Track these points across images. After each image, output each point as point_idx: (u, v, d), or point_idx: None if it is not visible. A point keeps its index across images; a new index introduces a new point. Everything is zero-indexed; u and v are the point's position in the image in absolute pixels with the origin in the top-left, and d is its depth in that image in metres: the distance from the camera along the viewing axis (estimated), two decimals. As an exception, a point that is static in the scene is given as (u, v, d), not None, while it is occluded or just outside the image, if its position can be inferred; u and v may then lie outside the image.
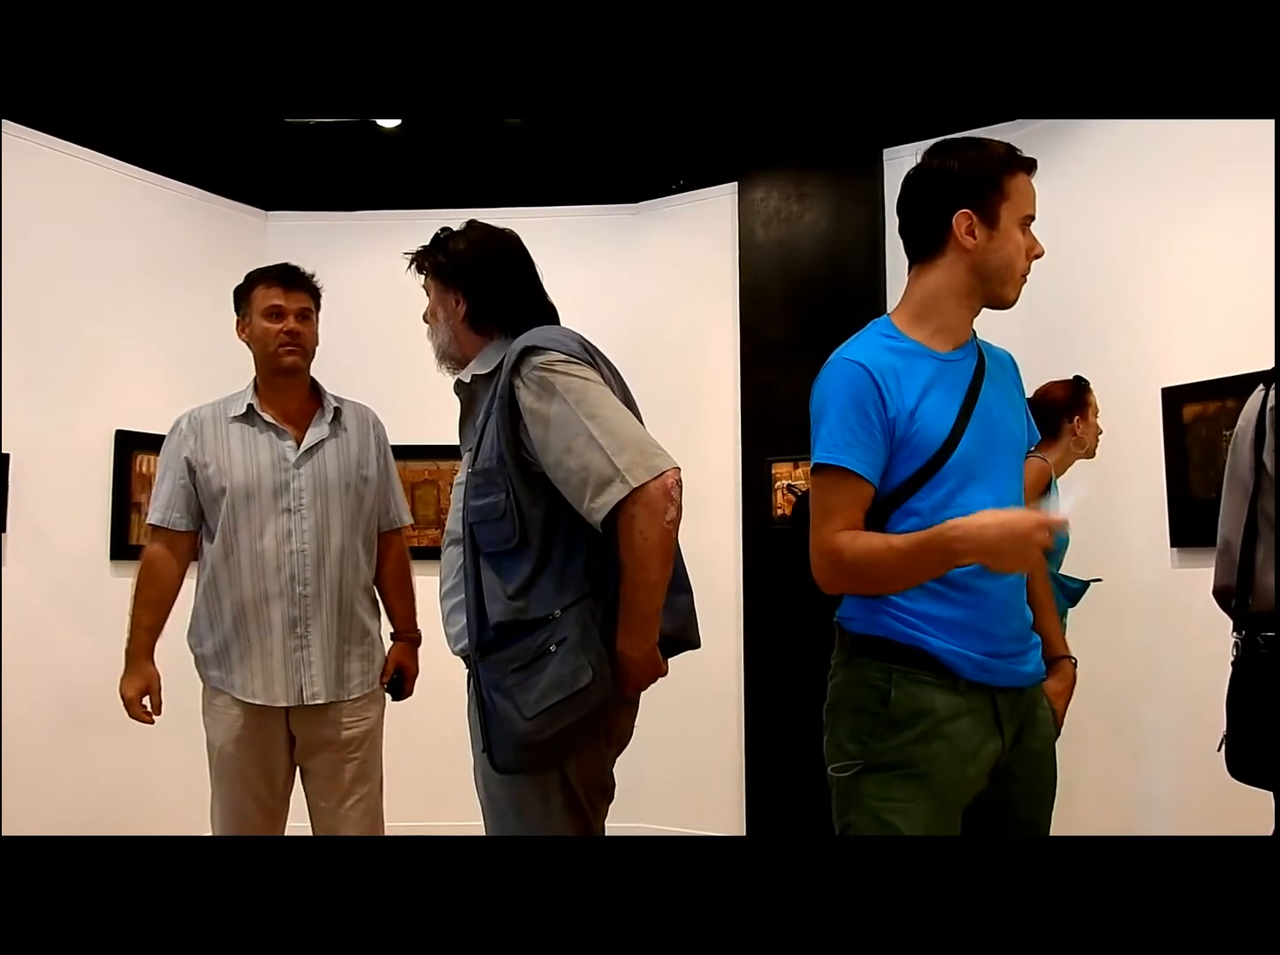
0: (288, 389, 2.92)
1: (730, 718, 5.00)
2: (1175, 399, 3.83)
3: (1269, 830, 2.49)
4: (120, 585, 4.60)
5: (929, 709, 1.81)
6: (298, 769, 2.92)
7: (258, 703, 2.81)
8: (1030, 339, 4.22)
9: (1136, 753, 4.00)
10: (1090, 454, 3.52)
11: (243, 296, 2.93)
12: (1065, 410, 3.51)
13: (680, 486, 1.99)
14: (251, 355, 2.94)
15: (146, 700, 2.97)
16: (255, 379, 2.94)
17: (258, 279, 2.92)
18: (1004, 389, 1.98)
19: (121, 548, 4.62)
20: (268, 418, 2.89)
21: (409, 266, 2.28)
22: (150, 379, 4.78)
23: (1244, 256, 3.50)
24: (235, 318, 2.95)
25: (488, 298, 2.19)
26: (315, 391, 3.00)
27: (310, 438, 2.90)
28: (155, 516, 2.92)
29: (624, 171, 5.47)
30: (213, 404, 2.95)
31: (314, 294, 2.94)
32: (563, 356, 2.01)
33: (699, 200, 5.33)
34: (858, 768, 1.83)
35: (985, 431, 1.88)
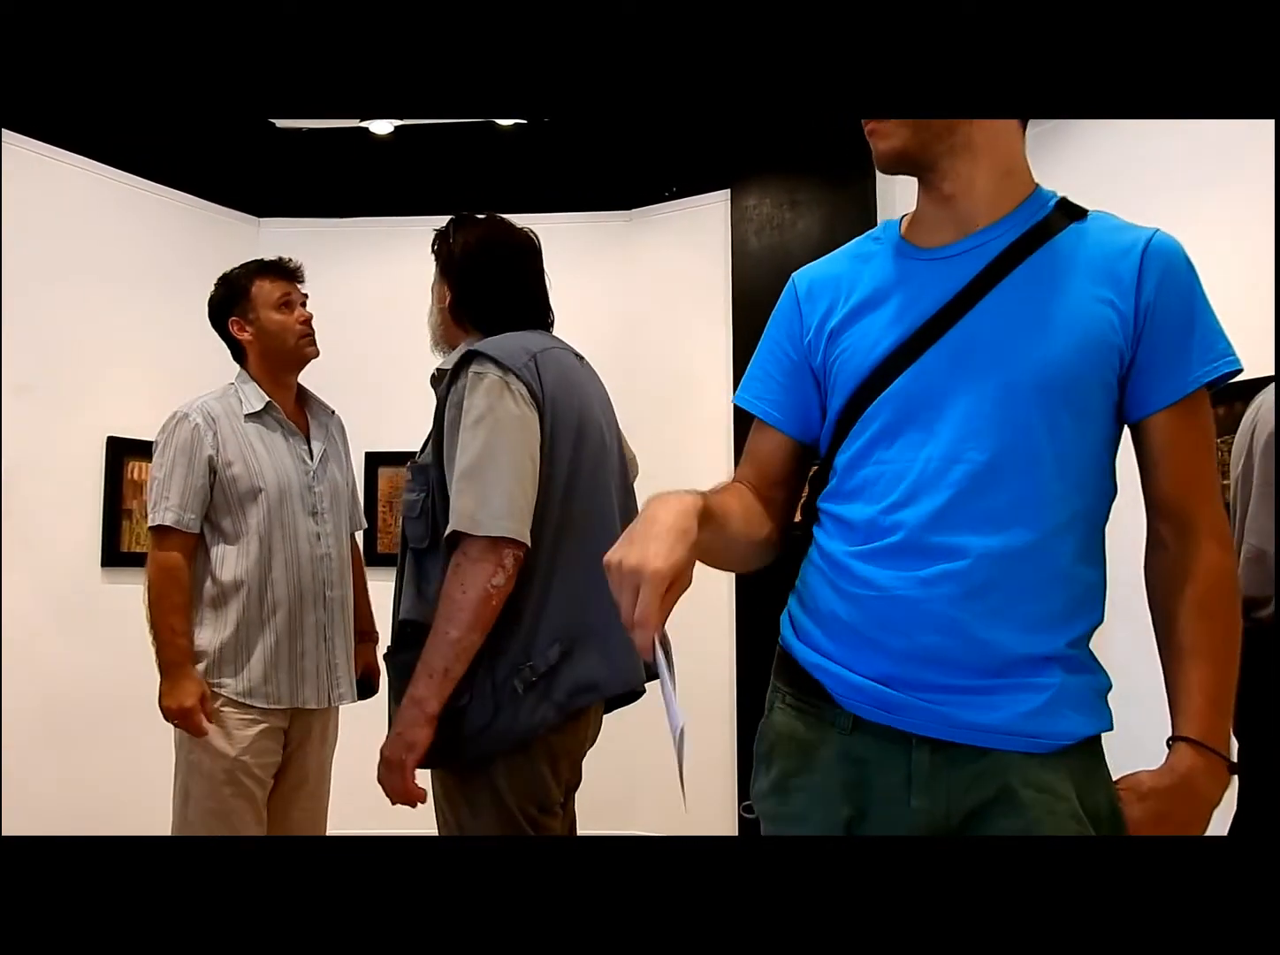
0: (292, 387, 2.89)
1: (723, 722, 4.99)
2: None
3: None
4: (112, 592, 4.60)
5: (789, 749, 1.33)
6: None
7: (280, 707, 2.73)
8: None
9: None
10: None
11: (240, 292, 2.83)
12: None
13: (517, 564, 1.91)
14: (250, 353, 2.84)
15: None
16: (252, 376, 2.84)
17: (256, 272, 2.85)
18: (1061, 292, 1.26)
19: (113, 555, 4.60)
20: (279, 416, 2.82)
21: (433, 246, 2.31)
22: (141, 386, 4.77)
23: (1244, 260, 3.51)
24: (229, 317, 2.85)
25: (471, 294, 2.19)
26: (299, 389, 2.97)
27: (320, 439, 2.88)
28: (169, 517, 2.68)
29: (617, 178, 5.47)
30: (214, 398, 2.81)
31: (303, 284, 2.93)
32: (498, 371, 1.99)
33: (692, 207, 5.34)
34: (752, 817, 1.42)
35: (961, 356, 1.26)
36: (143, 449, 4.69)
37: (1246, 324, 3.50)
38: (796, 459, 1.43)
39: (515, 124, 5.24)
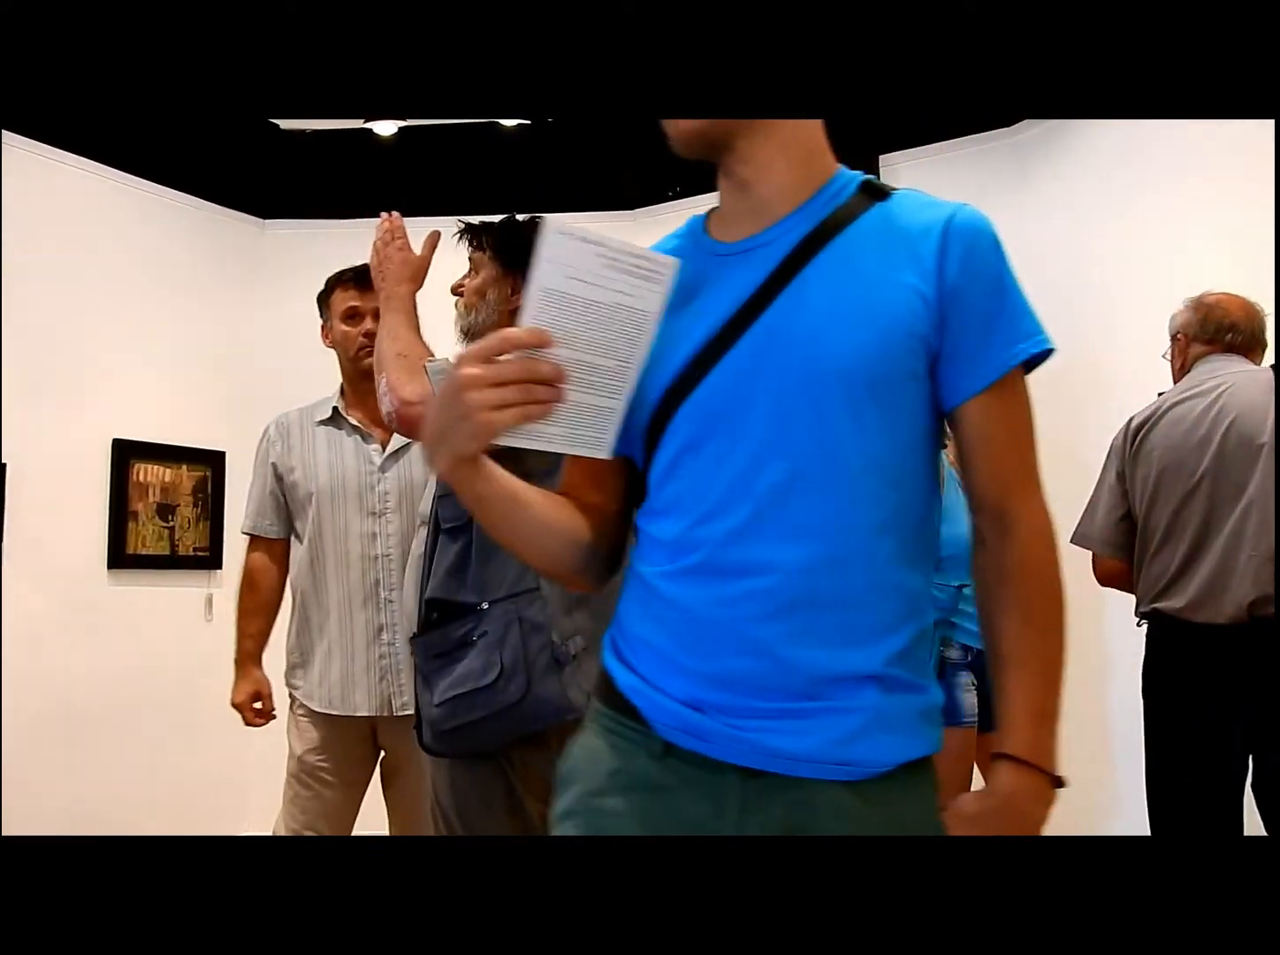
0: (373, 393, 2.90)
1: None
2: (1172, 403, 3.84)
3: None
4: (118, 595, 4.61)
5: (594, 771, 1.22)
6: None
7: (333, 713, 2.71)
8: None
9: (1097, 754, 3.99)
10: None
11: (324, 301, 2.92)
12: None
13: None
14: (337, 359, 2.91)
15: (258, 705, 2.87)
16: (341, 383, 2.91)
17: (335, 282, 2.91)
18: (861, 280, 1.18)
19: (119, 557, 4.61)
20: (353, 421, 2.85)
21: (460, 237, 2.27)
22: (147, 387, 4.78)
23: (1243, 259, 3.50)
24: (320, 323, 2.94)
25: None
26: None
27: (396, 440, 2.87)
28: (246, 523, 2.91)
29: (620, 179, 5.47)
30: (300, 409, 2.92)
31: None
32: None
33: (695, 207, 5.27)
34: None
35: (762, 357, 1.17)
36: (149, 451, 4.71)
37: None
38: (613, 471, 1.30)
39: (519, 124, 5.24)
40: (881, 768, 1.13)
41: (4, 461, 4.13)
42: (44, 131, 4.44)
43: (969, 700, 3.13)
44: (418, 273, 2.24)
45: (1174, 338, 2.94)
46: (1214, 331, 2.81)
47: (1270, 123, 2.76)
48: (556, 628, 1.98)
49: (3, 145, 4.08)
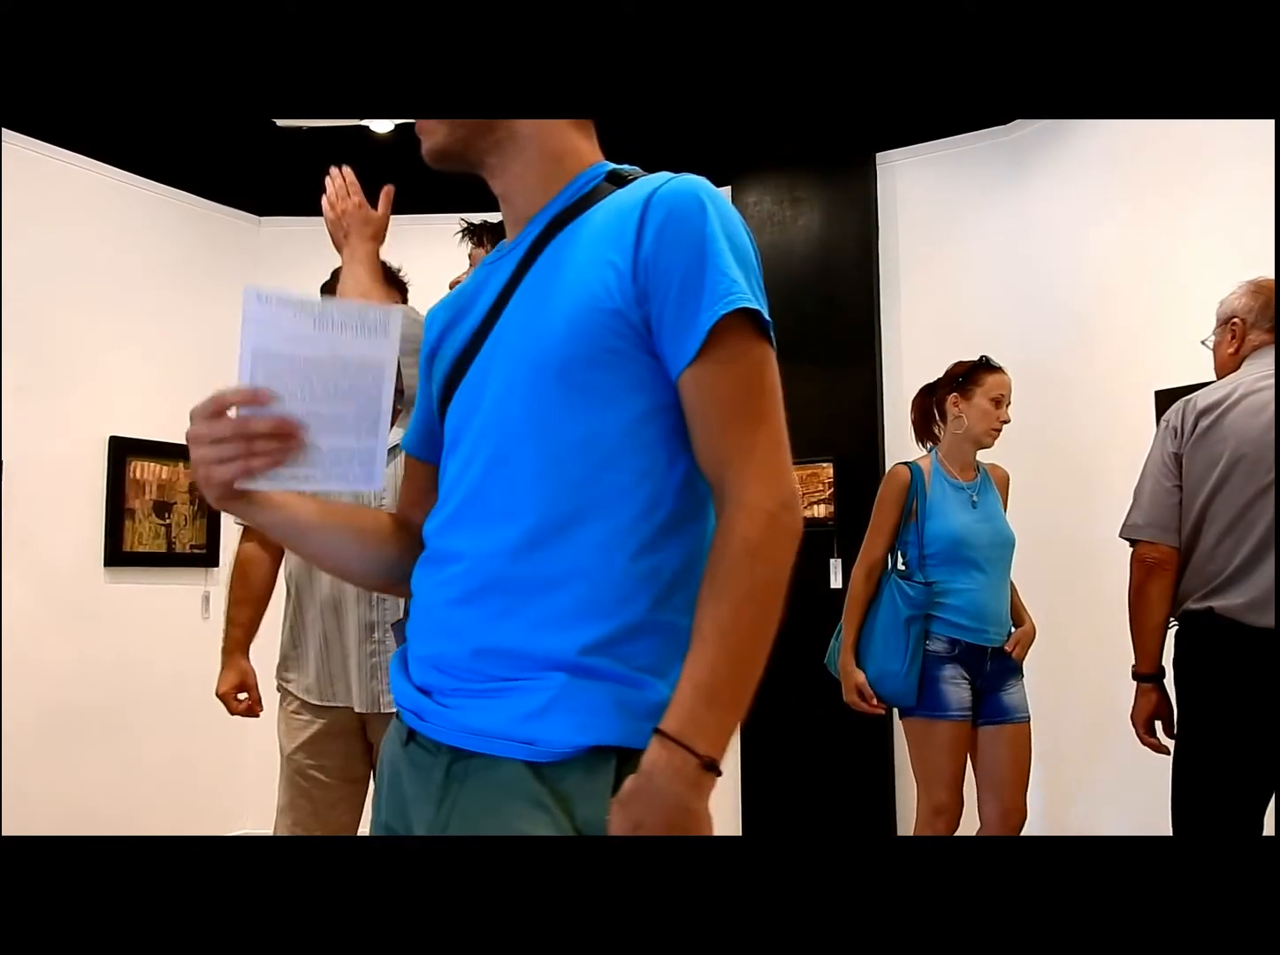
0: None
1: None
2: (1169, 402, 3.83)
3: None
4: (114, 592, 4.61)
5: (380, 765, 1.29)
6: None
7: (327, 705, 2.66)
8: (1024, 342, 4.24)
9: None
10: (978, 442, 3.27)
11: (328, 290, 2.87)
12: (947, 385, 3.33)
13: None
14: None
15: (243, 696, 2.83)
16: None
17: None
18: (571, 265, 1.17)
19: (115, 555, 4.61)
20: None
21: (465, 235, 2.28)
22: (144, 384, 4.77)
23: (1239, 257, 3.51)
24: None
25: None
26: None
27: (392, 435, 2.85)
28: None
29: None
30: None
31: (401, 289, 2.89)
32: None
33: (692, 204, 5.33)
34: None
35: (493, 354, 1.21)
36: (145, 448, 4.71)
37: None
38: (431, 486, 1.35)
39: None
40: (563, 749, 1.09)
41: (1, 459, 4.13)
42: (41, 129, 4.43)
43: (955, 693, 3.11)
44: (379, 230, 2.29)
45: (1227, 322, 2.76)
46: (1275, 318, 2.64)
47: (1270, 123, 2.76)
48: None
49: (2, 143, 4.07)
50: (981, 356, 3.29)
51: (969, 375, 3.27)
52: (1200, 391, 2.69)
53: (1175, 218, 3.88)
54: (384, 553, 1.36)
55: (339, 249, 2.26)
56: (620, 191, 1.21)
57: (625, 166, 1.29)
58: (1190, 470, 2.60)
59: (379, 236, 2.25)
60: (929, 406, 3.41)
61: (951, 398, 3.28)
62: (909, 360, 4.74)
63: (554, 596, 1.12)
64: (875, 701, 3.16)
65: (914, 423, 3.47)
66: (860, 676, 3.17)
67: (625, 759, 1.10)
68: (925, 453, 3.39)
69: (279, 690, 2.74)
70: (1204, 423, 2.59)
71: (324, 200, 2.26)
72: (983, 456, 3.36)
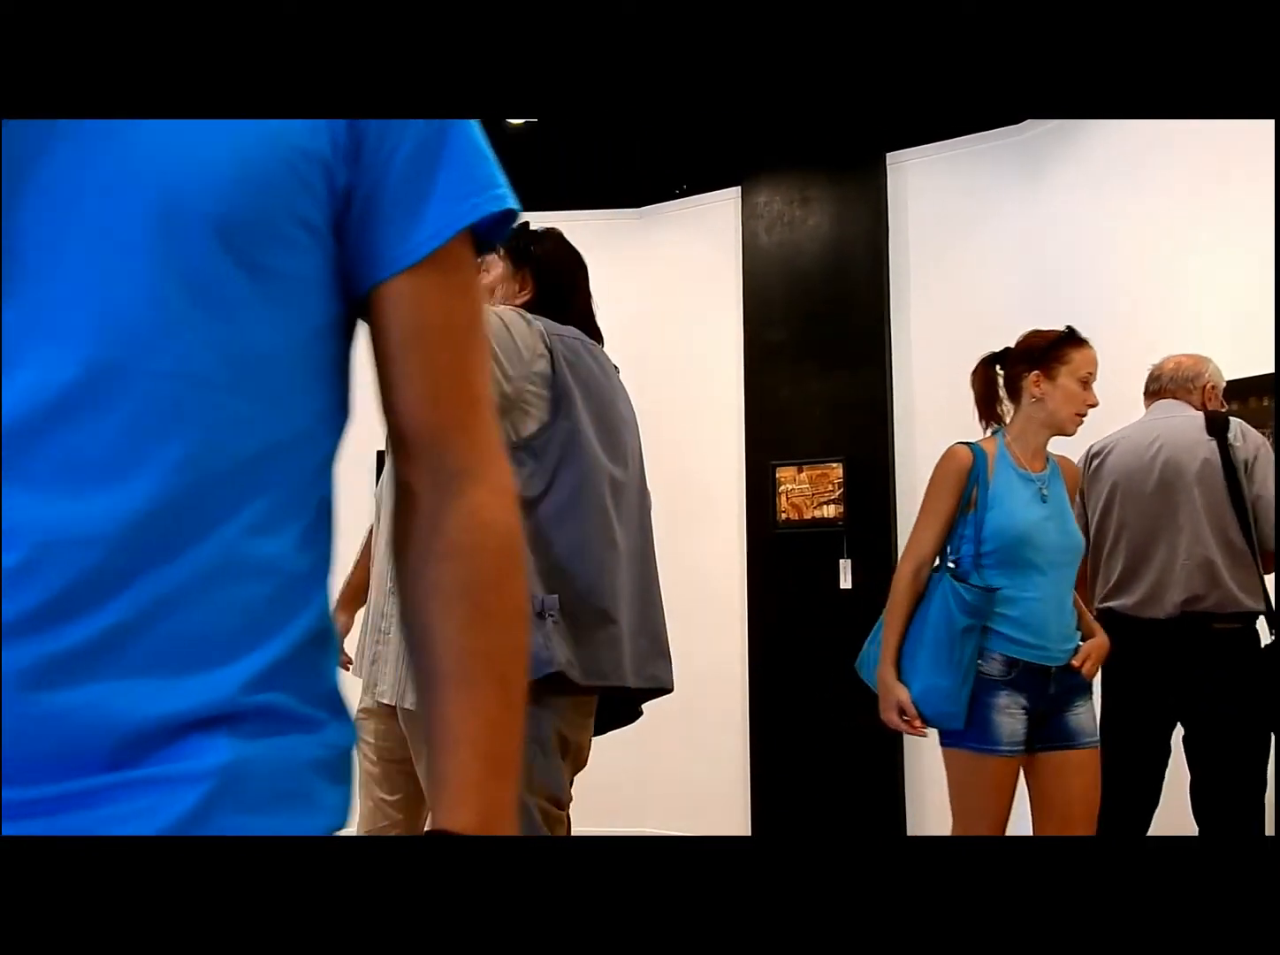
0: None
1: (735, 723, 5.00)
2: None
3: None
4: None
5: None
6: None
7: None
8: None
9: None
10: (1060, 428, 2.73)
11: None
12: (1025, 359, 2.74)
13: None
14: None
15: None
16: None
17: None
18: None
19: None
20: None
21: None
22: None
23: (1248, 259, 3.50)
24: None
25: (554, 299, 2.28)
26: None
27: None
28: None
29: (627, 176, 5.47)
30: None
31: None
32: None
33: (702, 204, 5.34)
34: None
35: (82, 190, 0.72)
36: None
37: (1247, 324, 3.51)
38: None
39: (525, 122, 5.25)
40: None
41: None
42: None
43: (1007, 725, 2.57)
44: None
45: (1147, 385, 3.38)
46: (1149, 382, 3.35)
47: (1270, 123, 2.75)
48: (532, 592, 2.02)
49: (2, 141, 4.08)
50: (1067, 327, 2.77)
51: (1053, 350, 2.72)
52: (1096, 441, 3.28)
53: (1187, 218, 3.87)
54: None
55: None
56: None
57: None
58: (1087, 501, 3.26)
59: None
60: (994, 379, 2.82)
61: (1033, 376, 2.70)
62: (919, 361, 4.73)
63: (188, 618, 0.67)
64: (919, 722, 2.62)
65: (977, 398, 2.84)
66: (903, 693, 2.62)
67: None
68: (988, 435, 2.81)
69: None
70: (1094, 464, 3.26)
71: None
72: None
